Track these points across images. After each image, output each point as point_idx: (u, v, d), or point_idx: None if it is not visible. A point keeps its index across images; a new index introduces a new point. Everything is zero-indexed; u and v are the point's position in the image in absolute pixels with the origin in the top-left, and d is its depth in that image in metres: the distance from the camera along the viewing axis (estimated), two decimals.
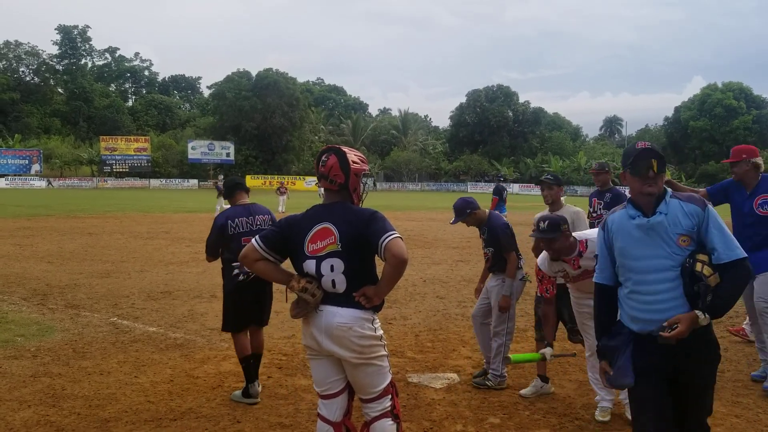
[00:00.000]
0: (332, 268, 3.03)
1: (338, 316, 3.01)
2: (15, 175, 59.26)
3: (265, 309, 5.11)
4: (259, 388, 5.07)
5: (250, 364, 4.93)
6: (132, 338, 6.59)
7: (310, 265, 3.07)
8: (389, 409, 3.14)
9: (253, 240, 3.16)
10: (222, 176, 26.94)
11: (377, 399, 3.13)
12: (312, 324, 3.08)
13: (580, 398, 5.02)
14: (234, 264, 4.85)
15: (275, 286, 5.24)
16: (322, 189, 3.23)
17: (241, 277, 4.88)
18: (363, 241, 3.03)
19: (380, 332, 3.13)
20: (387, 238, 2.96)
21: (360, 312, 3.04)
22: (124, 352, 6.10)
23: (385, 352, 3.15)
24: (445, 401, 4.91)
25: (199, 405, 4.78)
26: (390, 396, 3.16)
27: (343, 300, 3.04)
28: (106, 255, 12.98)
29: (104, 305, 8.18)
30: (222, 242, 4.96)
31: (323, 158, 3.14)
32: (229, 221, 4.93)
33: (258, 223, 4.98)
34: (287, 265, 3.27)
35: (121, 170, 65.18)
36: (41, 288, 9.24)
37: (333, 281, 3.04)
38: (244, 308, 4.97)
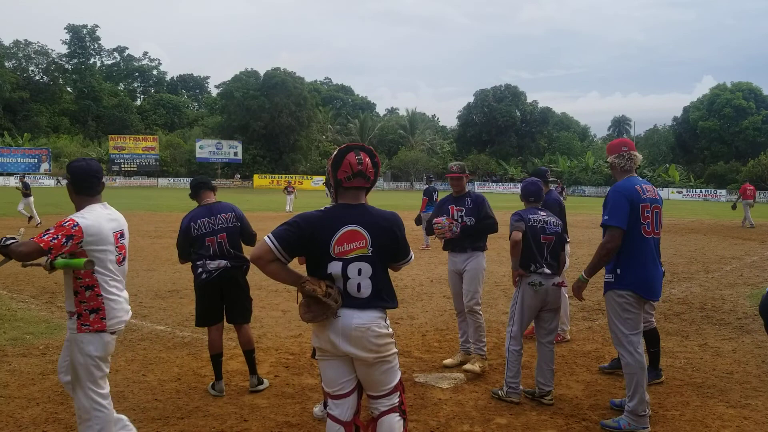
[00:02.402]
0: (360, 272, 3.01)
1: (356, 318, 2.99)
2: (24, 174, 59.56)
3: (236, 307, 5.15)
4: (265, 385, 5.14)
5: (221, 361, 5.10)
6: (140, 336, 6.62)
7: (335, 267, 3.01)
8: (397, 404, 3.15)
9: (266, 240, 3.01)
10: (20, 177, 23.16)
11: (387, 395, 3.13)
12: (328, 328, 3.03)
13: (587, 399, 5.00)
14: (198, 263, 4.99)
15: (253, 284, 5.30)
16: (329, 189, 3.23)
17: (203, 276, 4.97)
18: (393, 246, 3.10)
19: (391, 330, 3.14)
20: (402, 264, 3.24)
21: (377, 312, 3.05)
22: (131, 350, 6.13)
23: (396, 350, 3.16)
24: (451, 401, 4.90)
25: (206, 403, 4.79)
26: (399, 392, 3.17)
27: (363, 303, 3.02)
28: None
29: None
30: (189, 244, 5.07)
31: (359, 157, 3.07)
32: (192, 223, 5.04)
33: (220, 222, 5.04)
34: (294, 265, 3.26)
35: (129, 169, 65.51)
36: (50, 286, 9.30)
37: (359, 285, 3.01)
38: (210, 306, 5.08)
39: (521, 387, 4.96)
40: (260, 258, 3.00)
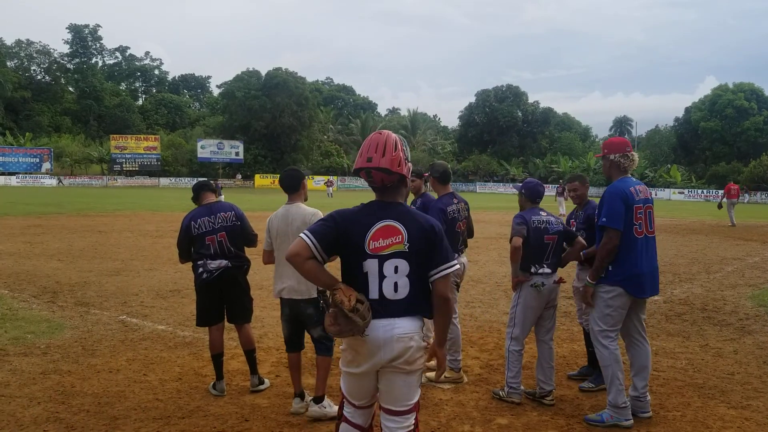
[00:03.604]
0: (396, 270, 2.84)
1: (397, 327, 2.83)
2: (26, 173, 59.71)
3: (237, 306, 5.15)
4: (266, 385, 5.15)
5: (221, 361, 5.11)
6: (141, 336, 6.62)
7: (371, 265, 2.85)
8: (412, 428, 2.96)
9: (303, 236, 2.84)
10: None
11: (405, 414, 2.94)
12: (369, 341, 2.82)
13: (588, 400, 5.00)
14: (199, 263, 5.00)
15: (254, 283, 5.27)
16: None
17: (204, 276, 4.98)
18: (429, 247, 2.88)
19: (425, 343, 2.99)
20: (443, 271, 2.87)
21: (417, 320, 2.90)
22: (133, 350, 6.13)
23: (424, 366, 3.00)
24: (452, 401, 4.90)
25: (207, 403, 4.79)
26: (415, 413, 2.98)
27: (401, 309, 2.85)
28: (116, 253, 13.05)
29: (113, 303, 8.22)
30: (190, 243, 5.09)
31: (370, 179, 2.93)
32: (193, 222, 5.06)
33: (220, 221, 5.06)
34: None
35: (130, 169, 65.51)
36: (51, 286, 9.30)
37: (395, 284, 2.84)
38: (210, 305, 5.09)
39: (522, 387, 4.95)
40: (297, 255, 2.83)
